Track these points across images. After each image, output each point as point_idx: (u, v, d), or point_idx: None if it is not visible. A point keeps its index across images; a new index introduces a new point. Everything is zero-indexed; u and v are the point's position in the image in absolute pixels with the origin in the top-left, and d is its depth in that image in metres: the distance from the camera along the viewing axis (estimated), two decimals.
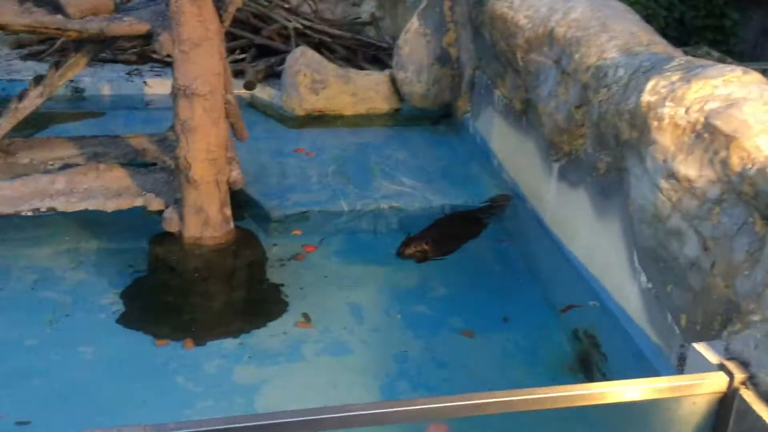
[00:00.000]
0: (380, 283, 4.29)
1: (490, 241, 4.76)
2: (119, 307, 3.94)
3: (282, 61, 6.50)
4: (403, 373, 3.65)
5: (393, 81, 6.28)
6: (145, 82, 6.49)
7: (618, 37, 3.92)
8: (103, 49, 4.52)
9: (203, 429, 1.70)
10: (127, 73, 6.57)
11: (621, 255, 3.62)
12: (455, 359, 3.72)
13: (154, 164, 4.62)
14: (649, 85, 3.30)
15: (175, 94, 3.75)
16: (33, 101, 4.33)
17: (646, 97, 3.27)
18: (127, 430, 1.67)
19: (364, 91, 6.26)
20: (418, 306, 4.11)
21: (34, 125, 5.44)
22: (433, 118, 6.28)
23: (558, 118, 4.21)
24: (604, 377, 3.58)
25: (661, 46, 3.87)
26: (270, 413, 1.91)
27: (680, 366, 3.08)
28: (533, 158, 4.68)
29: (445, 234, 4.67)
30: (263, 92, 6.46)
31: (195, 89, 3.64)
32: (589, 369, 3.65)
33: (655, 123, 3.18)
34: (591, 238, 3.97)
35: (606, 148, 3.77)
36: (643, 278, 3.41)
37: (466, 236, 4.70)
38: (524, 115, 4.83)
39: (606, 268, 3.79)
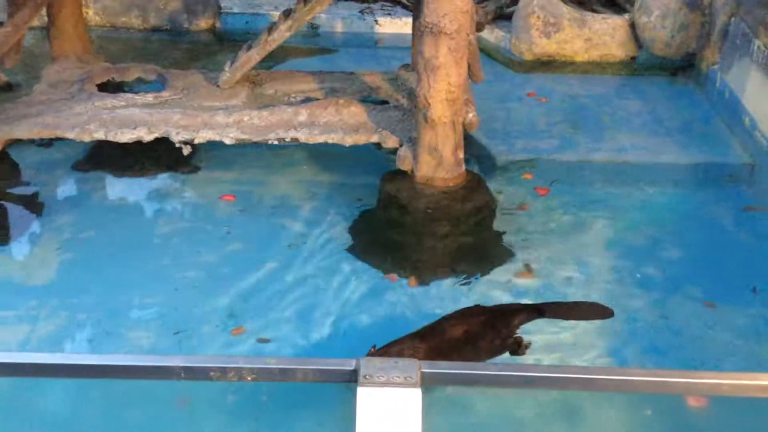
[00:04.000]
0: (608, 240, 4.11)
1: (734, 208, 4.37)
2: (349, 239, 4.08)
3: (513, 2, 6.31)
4: (632, 336, 3.49)
5: (631, 26, 5.89)
6: (376, 21, 6.58)
7: None
8: None
9: (478, 372, 1.70)
10: (359, 11, 6.70)
11: None
12: (692, 329, 3.49)
13: (386, 102, 4.69)
14: None
15: (420, 32, 3.74)
16: (282, 34, 4.52)
17: None
18: (402, 362, 1.70)
19: (599, 36, 5.93)
20: (650, 267, 3.89)
21: (272, 58, 5.72)
22: (672, 69, 5.84)
23: None
24: None
25: None
26: (519, 365, 1.88)
27: None
28: None
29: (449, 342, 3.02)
30: (491, 34, 6.32)
31: (442, 27, 3.60)
32: None
33: None
34: None
35: None
36: None
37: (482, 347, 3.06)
38: None
39: None
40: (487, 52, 6.24)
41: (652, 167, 4.68)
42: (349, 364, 1.77)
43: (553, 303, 3.50)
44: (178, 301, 3.62)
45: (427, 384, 1.73)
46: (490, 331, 3.06)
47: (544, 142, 4.89)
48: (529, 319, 3.21)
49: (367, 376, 1.73)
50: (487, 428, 2.02)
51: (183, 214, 4.25)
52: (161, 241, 4.01)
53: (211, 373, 1.73)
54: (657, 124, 5.14)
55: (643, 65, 5.94)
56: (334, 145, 4.32)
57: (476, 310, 3.21)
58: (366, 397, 1.70)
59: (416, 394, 1.71)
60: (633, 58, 5.99)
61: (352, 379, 1.75)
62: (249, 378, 1.74)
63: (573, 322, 3.49)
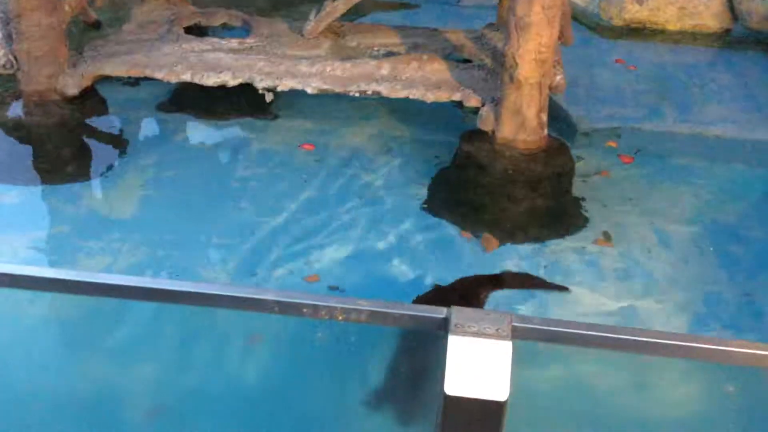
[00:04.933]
0: (692, 214, 4.00)
1: None
2: (425, 196, 4.07)
3: None
4: (713, 314, 3.40)
5: None
6: None
7: None
8: None
9: (569, 330, 1.67)
10: None
11: None
12: None
13: (469, 61, 4.61)
14: None
15: None
16: None
17: None
18: (495, 314, 1.68)
19: (694, 5, 5.70)
20: (736, 246, 3.77)
21: (356, 11, 5.67)
22: None
23: None
24: None
25: None
26: (613, 327, 1.84)
27: None
28: None
29: None
30: None
31: None
32: None
33: None
34: None
35: None
36: None
37: None
38: None
39: None
40: (574, 15, 6.06)
41: (741, 143, 4.50)
42: (441, 312, 1.76)
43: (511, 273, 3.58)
44: (254, 245, 3.68)
45: (518, 337, 1.72)
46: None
47: (630, 111, 4.75)
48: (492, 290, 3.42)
49: (458, 325, 1.72)
50: (575, 387, 2.00)
51: (261, 160, 4.30)
52: (240, 185, 4.06)
53: (304, 309, 1.74)
54: (749, 100, 4.93)
55: (738, 38, 5.69)
56: (414, 101, 4.29)
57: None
58: (457, 345, 1.69)
59: (507, 346, 1.70)
60: (727, 31, 5.74)
61: (442, 327, 1.74)
62: (340, 317, 1.76)
63: (656, 299, 3.42)
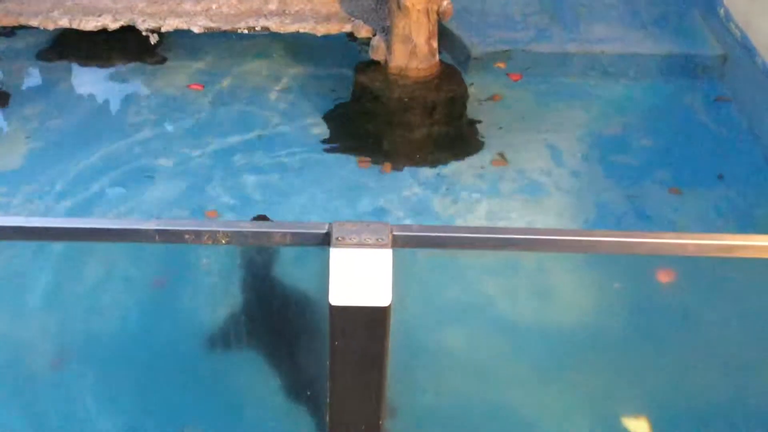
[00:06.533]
0: (582, 129, 4.13)
1: (705, 98, 4.40)
2: (323, 129, 4.06)
3: None
4: (602, 221, 3.56)
5: None
6: None
7: None
8: None
9: (447, 235, 1.73)
10: None
11: None
12: (660, 213, 3.57)
13: None
14: None
15: None
16: None
17: None
18: (375, 225, 1.72)
19: None
20: (622, 156, 3.94)
21: None
22: None
23: None
24: None
25: None
26: (489, 228, 1.92)
27: None
28: None
29: None
30: None
31: None
32: None
33: None
34: None
35: None
36: None
37: None
38: None
39: None
40: None
41: (627, 59, 4.65)
42: (322, 228, 1.79)
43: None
44: (151, 188, 3.61)
45: (398, 245, 1.77)
46: None
47: (520, 34, 4.82)
48: None
49: (340, 238, 1.76)
50: (458, 289, 2.08)
51: (152, 105, 4.19)
52: (132, 130, 3.96)
53: (186, 236, 1.74)
54: (633, 17, 5.07)
55: None
56: (306, 35, 4.24)
57: None
58: (339, 257, 1.73)
59: (387, 254, 1.74)
60: None
61: (325, 242, 1.78)
62: (223, 241, 1.76)
63: (552, 212, 3.55)
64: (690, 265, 1.94)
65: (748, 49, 4.46)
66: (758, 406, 1.94)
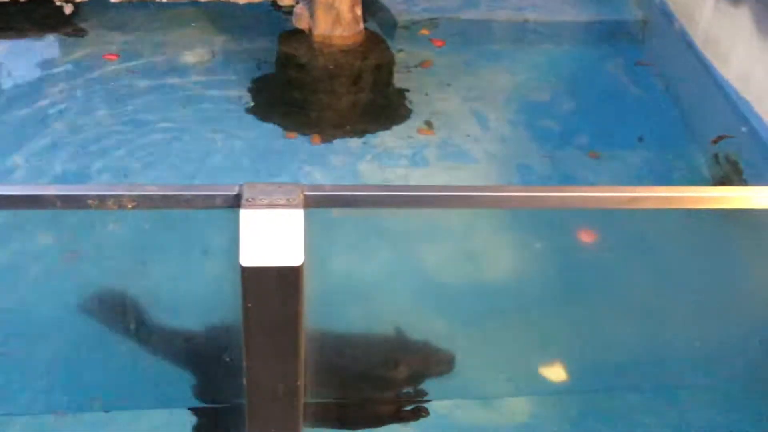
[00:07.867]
0: (507, 95, 4.17)
1: (626, 63, 4.48)
2: (248, 100, 4.00)
3: None
4: (525, 182, 3.61)
5: None
6: None
7: None
8: None
9: (358, 194, 1.72)
10: None
11: None
12: (581, 176, 3.63)
13: None
14: None
15: None
16: None
17: None
18: (286, 186, 1.70)
19: None
20: (546, 120, 3.99)
21: None
22: None
23: None
24: None
25: None
26: (401, 186, 1.92)
27: None
28: None
29: None
30: None
31: None
32: None
33: None
34: (748, 62, 3.66)
35: None
36: None
37: None
38: None
39: (764, 95, 3.52)
40: None
41: (551, 25, 4.71)
42: (232, 189, 1.76)
43: None
44: (71, 163, 3.51)
45: (310, 205, 1.75)
46: None
47: (447, 1, 4.83)
48: None
49: (250, 199, 1.73)
50: (375, 249, 2.08)
51: (70, 78, 4.05)
52: (49, 103, 3.83)
53: (89, 201, 1.69)
54: None
55: None
56: (228, 4, 4.16)
57: None
58: (249, 218, 1.70)
59: (299, 214, 1.72)
60: None
61: (235, 203, 1.75)
62: (129, 206, 1.71)
63: (478, 177, 3.58)
64: (600, 218, 1.98)
65: (667, 14, 4.56)
66: (666, 351, 2.01)
